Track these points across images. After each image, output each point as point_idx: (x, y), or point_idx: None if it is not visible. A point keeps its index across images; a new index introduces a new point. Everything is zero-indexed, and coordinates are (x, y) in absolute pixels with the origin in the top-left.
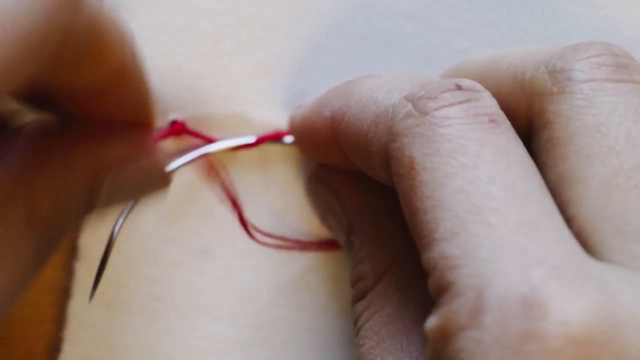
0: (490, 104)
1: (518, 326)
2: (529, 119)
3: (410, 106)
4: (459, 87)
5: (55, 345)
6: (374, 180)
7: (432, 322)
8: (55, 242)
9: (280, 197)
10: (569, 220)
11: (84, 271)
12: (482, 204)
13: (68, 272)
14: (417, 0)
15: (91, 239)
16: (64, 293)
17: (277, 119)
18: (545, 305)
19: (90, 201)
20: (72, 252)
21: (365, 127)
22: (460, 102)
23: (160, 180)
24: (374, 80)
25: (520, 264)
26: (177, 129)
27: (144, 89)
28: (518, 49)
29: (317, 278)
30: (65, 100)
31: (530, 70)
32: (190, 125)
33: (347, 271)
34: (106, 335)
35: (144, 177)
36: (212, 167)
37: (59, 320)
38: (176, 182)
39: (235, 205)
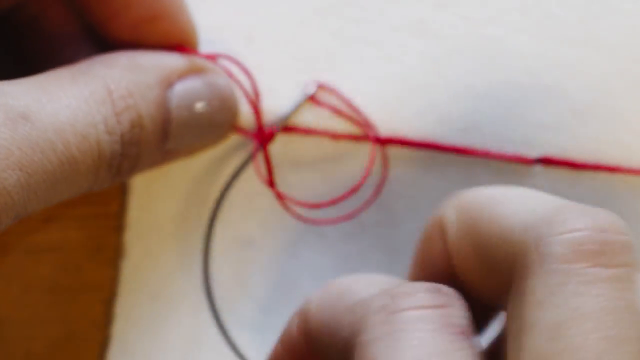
0: (461, 315)
1: None
2: (509, 276)
3: (386, 299)
4: (437, 290)
5: (55, 345)
6: None
7: None
8: (134, 149)
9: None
10: None
11: (129, 268)
12: None
13: (68, 272)
14: None
15: (134, 237)
16: (64, 292)
17: (311, 117)
18: None
19: (164, 116)
20: (71, 253)
21: (338, 316)
22: (434, 307)
23: (228, 102)
24: (351, 277)
25: None
26: None
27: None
28: (518, 194)
29: (359, 265)
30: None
31: (518, 229)
32: None
33: None
34: (153, 330)
35: (213, 96)
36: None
37: (60, 320)
38: (218, 175)
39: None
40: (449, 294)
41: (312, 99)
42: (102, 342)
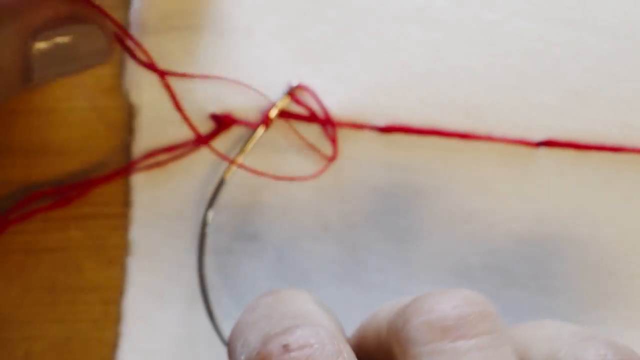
0: None
1: None
2: None
3: None
4: (285, 349)
5: (55, 345)
6: None
7: None
8: None
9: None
10: None
11: (136, 265)
12: None
13: (68, 272)
14: None
15: (143, 233)
16: (64, 292)
17: (314, 105)
18: None
19: (22, 65)
20: (71, 253)
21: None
22: None
23: (100, 46)
24: (254, 310)
25: None
26: (227, 122)
27: None
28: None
29: (367, 255)
30: None
31: (384, 328)
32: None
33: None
34: (162, 327)
35: (82, 42)
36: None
37: (60, 320)
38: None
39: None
40: (304, 342)
41: (291, 95)
42: (102, 342)
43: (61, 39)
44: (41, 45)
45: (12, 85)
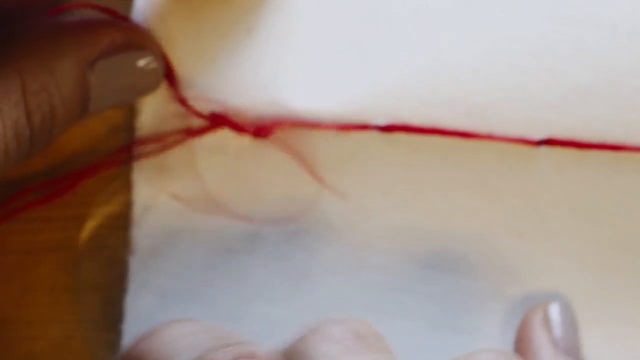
0: None
1: None
2: None
3: None
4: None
5: (55, 345)
6: None
7: None
8: (45, 137)
9: None
10: None
11: (137, 265)
12: None
13: (67, 272)
14: None
15: (143, 232)
16: (64, 292)
17: (314, 106)
18: None
19: (82, 95)
20: (71, 253)
21: None
22: None
23: (151, 73)
24: (178, 328)
25: None
26: (220, 121)
27: None
28: None
29: (367, 254)
30: None
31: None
32: (231, 115)
33: None
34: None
35: (135, 69)
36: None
37: (60, 320)
38: (222, 171)
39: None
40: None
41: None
42: (102, 342)
43: (117, 67)
44: (98, 74)
45: (72, 115)
